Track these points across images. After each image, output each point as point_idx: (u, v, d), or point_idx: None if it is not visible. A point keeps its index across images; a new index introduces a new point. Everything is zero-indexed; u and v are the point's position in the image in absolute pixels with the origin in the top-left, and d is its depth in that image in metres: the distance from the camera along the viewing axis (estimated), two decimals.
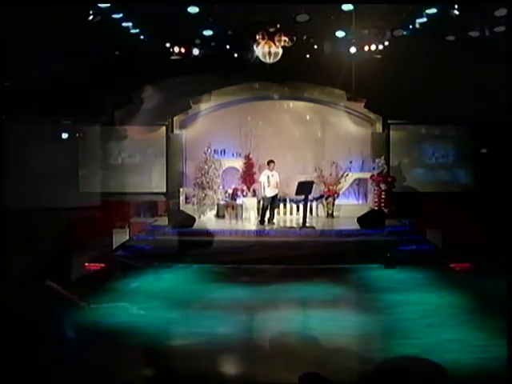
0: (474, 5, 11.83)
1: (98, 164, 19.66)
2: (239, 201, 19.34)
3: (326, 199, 19.91)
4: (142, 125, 19.31)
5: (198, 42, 16.30)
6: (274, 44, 14.36)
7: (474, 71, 14.68)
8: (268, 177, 17.81)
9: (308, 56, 17.21)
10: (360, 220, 17.24)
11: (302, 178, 18.56)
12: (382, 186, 19.59)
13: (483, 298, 11.19)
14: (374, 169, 20.12)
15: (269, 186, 17.73)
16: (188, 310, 10.82)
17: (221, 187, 19.78)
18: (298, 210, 19.57)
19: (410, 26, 14.84)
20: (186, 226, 16.88)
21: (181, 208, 19.47)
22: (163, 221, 18.28)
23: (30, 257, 11.96)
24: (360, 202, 20.72)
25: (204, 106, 20.90)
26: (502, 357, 8.11)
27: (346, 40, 16.49)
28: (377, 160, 20.00)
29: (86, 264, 13.88)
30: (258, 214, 18.45)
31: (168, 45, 16.41)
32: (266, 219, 17.88)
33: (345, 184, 20.30)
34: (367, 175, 20.28)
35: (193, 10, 13.26)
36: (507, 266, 9.37)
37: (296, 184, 17.19)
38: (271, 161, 18.02)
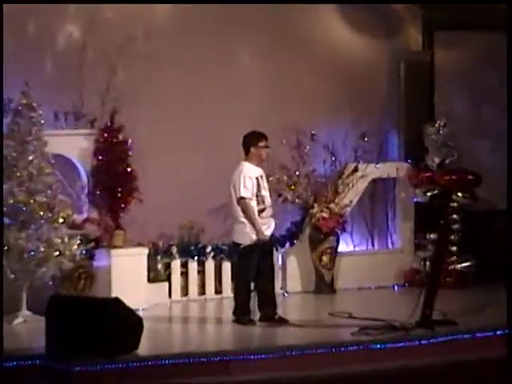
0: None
1: None
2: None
3: (320, 242, 9.25)
4: None
5: None
6: None
7: None
8: (259, 186, 7.62)
9: None
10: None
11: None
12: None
13: None
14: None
15: (262, 211, 7.57)
16: None
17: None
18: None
19: None
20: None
21: None
22: None
23: None
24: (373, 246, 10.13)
25: None
26: None
27: None
28: (430, 129, 9.59)
29: None
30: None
31: None
32: (261, 311, 7.63)
33: (352, 195, 9.52)
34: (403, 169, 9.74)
35: None
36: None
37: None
38: (263, 136, 7.68)
